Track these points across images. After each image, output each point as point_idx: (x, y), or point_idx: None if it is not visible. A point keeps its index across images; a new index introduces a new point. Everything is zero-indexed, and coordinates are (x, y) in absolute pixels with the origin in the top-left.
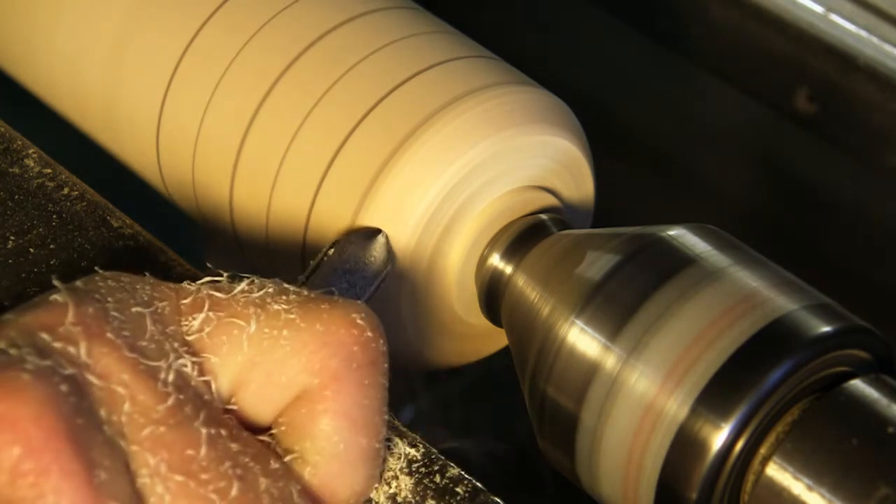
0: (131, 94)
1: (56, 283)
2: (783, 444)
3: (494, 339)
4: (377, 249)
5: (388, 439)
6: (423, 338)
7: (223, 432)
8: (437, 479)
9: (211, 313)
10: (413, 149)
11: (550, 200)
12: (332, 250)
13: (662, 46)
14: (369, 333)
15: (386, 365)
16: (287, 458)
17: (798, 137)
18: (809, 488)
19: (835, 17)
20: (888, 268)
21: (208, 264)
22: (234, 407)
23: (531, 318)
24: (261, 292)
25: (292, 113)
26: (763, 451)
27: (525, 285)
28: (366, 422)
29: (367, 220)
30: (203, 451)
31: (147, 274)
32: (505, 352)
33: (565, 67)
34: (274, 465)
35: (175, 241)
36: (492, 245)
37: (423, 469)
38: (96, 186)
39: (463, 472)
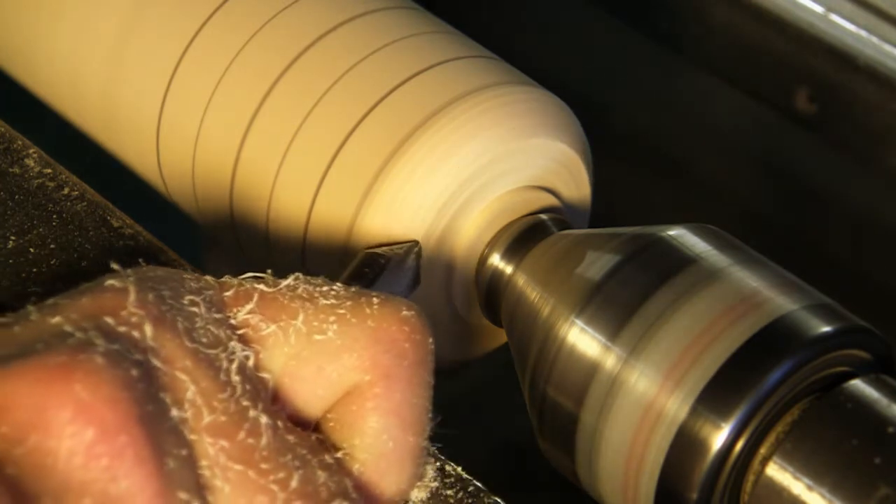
0: (131, 94)
1: (115, 266)
2: (783, 444)
3: (494, 339)
4: (411, 263)
5: None
6: None
7: (279, 424)
8: (437, 478)
9: (257, 305)
10: (413, 149)
11: (550, 200)
12: (368, 259)
13: (662, 46)
14: (419, 331)
15: (433, 363)
16: (339, 454)
17: (798, 137)
18: (809, 488)
19: (835, 17)
20: (888, 268)
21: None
22: (282, 401)
23: (531, 318)
24: (308, 286)
25: (292, 113)
26: (763, 451)
27: (525, 285)
28: (414, 420)
29: (368, 220)
30: (264, 440)
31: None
32: (505, 351)
33: (565, 67)
34: (328, 459)
35: (175, 241)
36: (492, 245)
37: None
38: (96, 186)
39: (463, 472)
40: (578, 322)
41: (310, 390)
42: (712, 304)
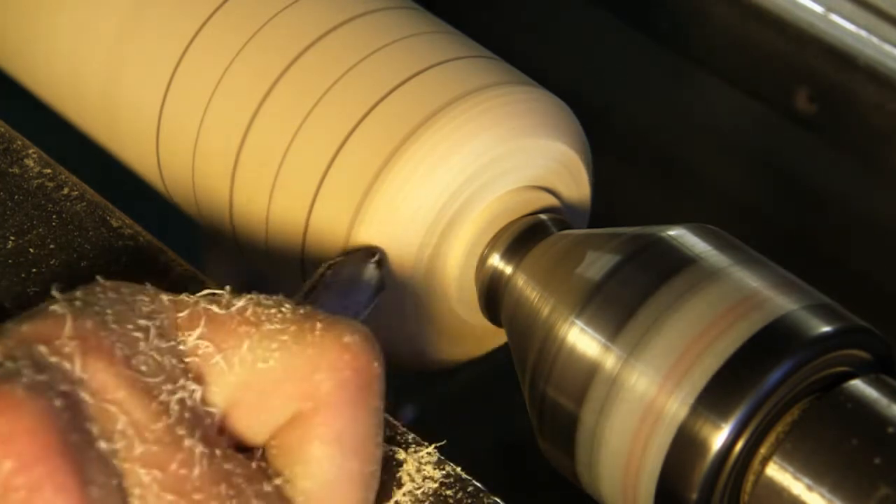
0: (131, 94)
1: (55, 293)
2: (783, 444)
3: (494, 339)
4: (371, 272)
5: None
6: (423, 338)
7: (217, 452)
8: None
9: (206, 330)
10: (413, 149)
11: (550, 200)
12: (329, 270)
13: (662, 46)
14: (363, 356)
15: (381, 387)
16: (278, 481)
17: (798, 137)
18: (809, 488)
19: (835, 17)
20: (888, 268)
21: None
22: (227, 427)
23: (531, 318)
24: (257, 308)
25: (292, 113)
26: (763, 451)
27: (525, 285)
28: (357, 447)
29: (367, 220)
30: (196, 470)
31: (147, 283)
32: (505, 351)
33: (565, 67)
34: (266, 487)
35: (175, 241)
36: (492, 245)
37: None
38: (96, 186)
39: (463, 472)
40: (578, 322)
41: (254, 417)
42: (712, 304)
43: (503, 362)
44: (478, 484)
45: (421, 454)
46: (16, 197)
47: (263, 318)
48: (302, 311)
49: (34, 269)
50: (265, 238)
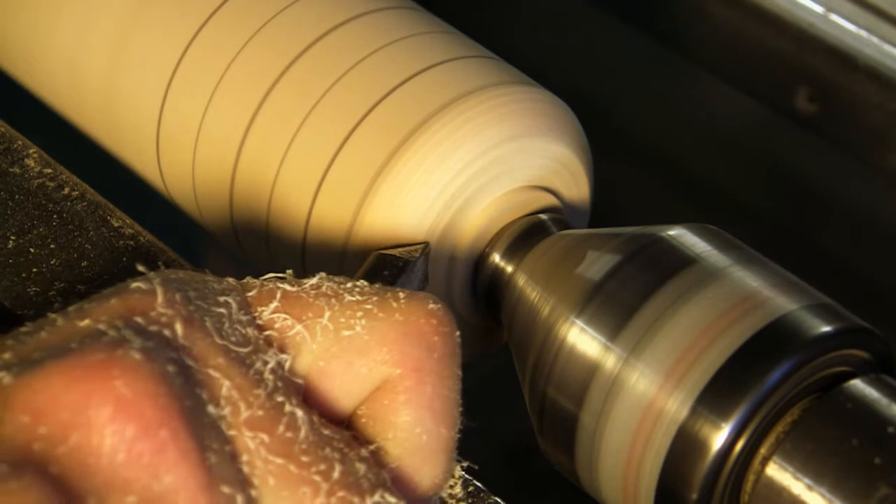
0: (131, 94)
1: (140, 268)
2: (783, 444)
3: (494, 339)
4: (422, 264)
5: None
6: None
7: (314, 418)
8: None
9: (280, 304)
10: (413, 149)
11: (550, 200)
12: (381, 260)
13: (662, 46)
14: (448, 323)
15: (460, 356)
16: (372, 448)
17: (798, 137)
18: (809, 488)
19: (835, 17)
20: (888, 268)
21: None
22: (311, 398)
23: (531, 318)
24: (332, 284)
25: (293, 113)
26: (763, 451)
27: (525, 285)
28: (446, 412)
29: (368, 220)
30: (302, 433)
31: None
32: (505, 352)
33: (565, 67)
34: (364, 452)
35: (175, 241)
36: (492, 245)
37: None
38: (96, 186)
39: (463, 472)
40: (578, 322)
41: (340, 387)
42: (712, 304)
43: (503, 362)
44: (478, 484)
45: None
46: (16, 197)
47: (341, 291)
48: (378, 286)
49: (34, 269)
50: (266, 238)
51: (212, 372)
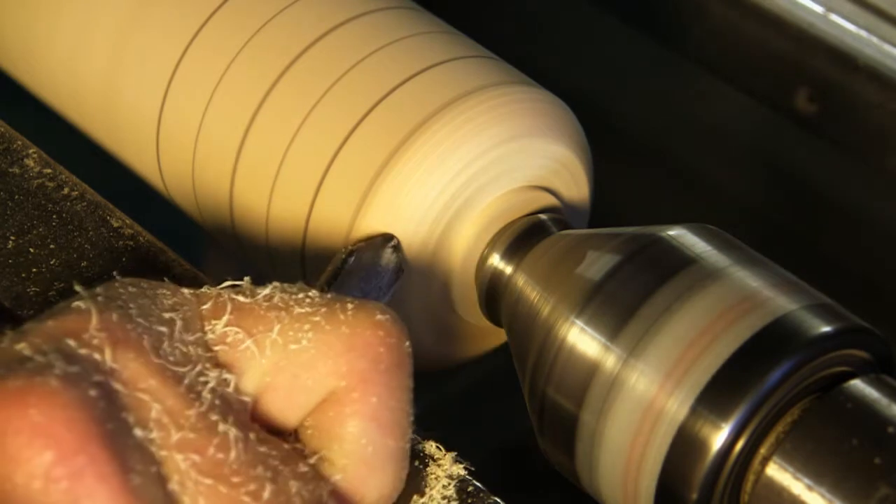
0: (131, 94)
1: (78, 288)
2: (783, 444)
3: (494, 339)
4: (390, 256)
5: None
6: (422, 337)
7: (251, 436)
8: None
9: (233, 317)
10: (413, 149)
11: (550, 200)
12: (352, 258)
13: (662, 46)
14: (395, 334)
15: (411, 366)
16: (314, 460)
17: (798, 137)
18: (809, 488)
19: (835, 17)
20: (888, 268)
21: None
22: (259, 411)
23: (531, 318)
24: (284, 295)
25: (292, 113)
26: (763, 451)
27: (525, 285)
28: (393, 423)
29: (367, 220)
30: (233, 454)
31: (165, 278)
32: (505, 352)
33: (565, 67)
34: (303, 467)
35: (175, 241)
36: (492, 245)
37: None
38: (96, 186)
39: (463, 472)
40: (578, 322)
41: (286, 399)
42: (712, 304)
43: (503, 362)
44: (478, 484)
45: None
46: (16, 197)
47: (292, 302)
48: (328, 296)
49: (34, 269)
50: (265, 238)
51: (140, 395)
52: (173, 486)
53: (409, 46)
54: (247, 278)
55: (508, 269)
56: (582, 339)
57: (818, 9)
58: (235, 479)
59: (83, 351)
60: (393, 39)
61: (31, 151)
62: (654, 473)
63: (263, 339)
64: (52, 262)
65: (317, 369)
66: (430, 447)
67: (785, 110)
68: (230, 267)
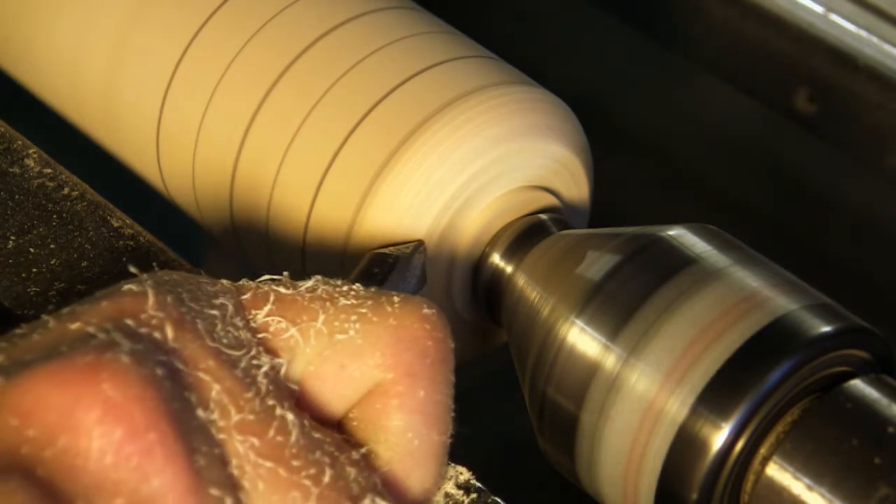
0: (131, 94)
1: (133, 269)
2: (783, 444)
3: (494, 339)
4: (418, 261)
5: None
6: None
7: (305, 423)
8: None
9: (275, 307)
10: (413, 149)
11: (550, 200)
12: (377, 260)
13: (662, 46)
14: (441, 328)
15: (454, 362)
16: (363, 451)
17: (798, 137)
18: (809, 488)
19: (835, 17)
20: (888, 268)
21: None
22: (304, 401)
23: (531, 318)
24: (327, 287)
25: (292, 113)
26: (763, 451)
27: (525, 285)
28: (438, 417)
29: (368, 220)
30: (293, 437)
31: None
32: (505, 351)
33: (565, 67)
34: (355, 455)
35: (175, 241)
36: (492, 245)
37: None
38: (96, 186)
39: (463, 472)
40: (578, 322)
41: (332, 390)
42: (712, 304)
43: (503, 362)
44: (478, 484)
45: None
46: (16, 197)
47: (336, 294)
48: (373, 289)
49: (34, 269)
50: (266, 237)
51: (202, 375)
52: (232, 469)
53: (409, 46)
54: (286, 273)
55: (508, 269)
56: (582, 339)
57: (818, 9)
58: (295, 463)
59: (143, 330)
60: (393, 39)
61: (31, 151)
62: (654, 473)
63: (308, 329)
64: (52, 262)
65: (364, 360)
66: None
67: (785, 110)
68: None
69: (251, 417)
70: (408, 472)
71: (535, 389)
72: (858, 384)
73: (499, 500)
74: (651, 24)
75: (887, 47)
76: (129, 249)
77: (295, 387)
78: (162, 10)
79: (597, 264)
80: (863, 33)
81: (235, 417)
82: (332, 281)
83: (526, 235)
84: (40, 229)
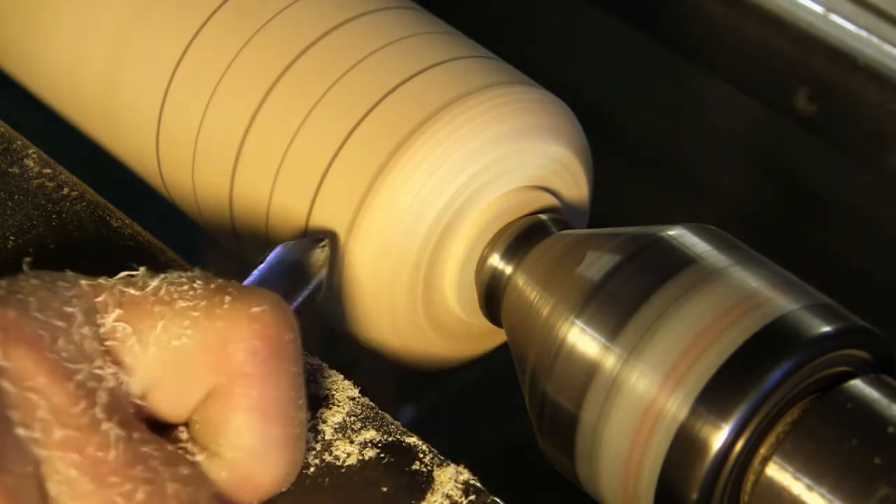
0: (131, 94)
1: None
2: (783, 444)
3: (494, 339)
4: (318, 256)
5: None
6: (423, 338)
7: (135, 435)
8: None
9: (123, 311)
10: (413, 149)
11: (550, 200)
12: (276, 250)
13: (662, 46)
14: (272, 324)
15: (295, 352)
16: (203, 456)
17: (798, 137)
18: (809, 488)
19: (835, 17)
20: (888, 268)
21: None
22: (147, 408)
23: (531, 319)
24: (170, 288)
25: (292, 113)
26: (763, 451)
27: (525, 285)
28: (277, 412)
29: (367, 220)
30: (112, 454)
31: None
32: (505, 351)
33: (565, 67)
34: (184, 470)
35: (175, 241)
36: (492, 245)
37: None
38: (96, 186)
39: (463, 472)
40: (578, 322)
41: (173, 395)
42: (712, 304)
43: (503, 362)
44: (478, 484)
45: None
46: (16, 197)
47: (176, 295)
48: (213, 285)
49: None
50: (265, 237)
51: (29, 395)
52: (53, 485)
53: (409, 46)
54: (142, 268)
55: (508, 269)
56: (582, 339)
57: (818, 9)
58: (113, 479)
59: None
60: (393, 39)
61: (31, 151)
62: (654, 473)
63: (148, 336)
64: (52, 262)
65: (197, 365)
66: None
67: (785, 110)
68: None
69: (74, 434)
70: (253, 467)
71: (535, 389)
72: (858, 384)
73: (498, 501)
74: (651, 24)
75: (887, 47)
76: (129, 249)
77: (135, 395)
78: (162, 10)
79: (597, 264)
80: (863, 33)
81: (58, 434)
82: (176, 279)
83: (526, 235)
84: (40, 229)
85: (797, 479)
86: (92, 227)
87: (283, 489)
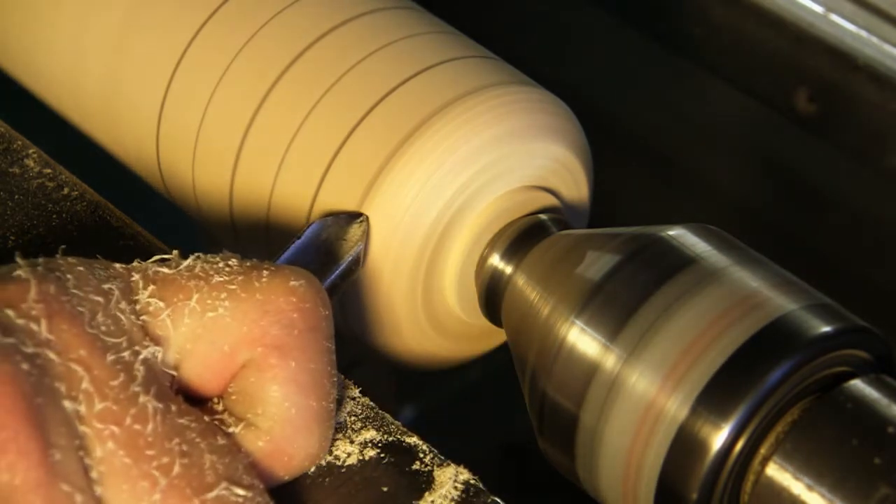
0: (131, 93)
1: (18, 259)
2: (783, 444)
3: (494, 339)
4: (355, 230)
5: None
6: (423, 337)
7: (172, 408)
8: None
9: (156, 287)
10: (413, 149)
11: (550, 200)
12: (311, 227)
13: (662, 46)
14: (308, 299)
15: (330, 329)
16: (240, 427)
17: (798, 137)
18: (809, 488)
19: (835, 17)
20: (888, 268)
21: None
22: (181, 380)
23: (531, 318)
24: (205, 265)
25: (292, 113)
26: (763, 451)
27: (525, 285)
28: (314, 385)
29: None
30: (150, 426)
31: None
32: (505, 351)
33: (565, 67)
34: (220, 440)
35: (175, 241)
36: (492, 245)
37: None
38: (96, 186)
39: (463, 472)
40: (578, 322)
41: (206, 366)
42: (712, 304)
43: (503, 362)
44: (478, 484)
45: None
46: (16, 197)
47: (211, 271)
48: (249, 263)
49: None
50: (266, 237)
51: (73, 365)
52: (94, 457)
53: (409, 46)
54: (175, 251)
55: (508, 269)
56: (582, 340)
57: (818, 9)
58: (150, 452)
59: (20, 321)
60: (393, 39)
61: (31, 151)
62: (654, 473)
63: (182, 308)
64: None
65: (233, 336)
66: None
67: (785, 110)
68: None
69: (114, 406)
70: (289, 439)
71: (535, 389)
72: (858, 384)
73: (498, 501)
74: (651, 24)
75: (887, 47)
76: (129, 249)
77: (172, 370)
78: (162, 10)
79: (597, 264)
80: (863, 33)
81: (98, 406)
82: (211, 258)
83: (526, 235)
84: (40, 229)
85: (797, 479)
86: (92, 227)
87: (311, 469)
